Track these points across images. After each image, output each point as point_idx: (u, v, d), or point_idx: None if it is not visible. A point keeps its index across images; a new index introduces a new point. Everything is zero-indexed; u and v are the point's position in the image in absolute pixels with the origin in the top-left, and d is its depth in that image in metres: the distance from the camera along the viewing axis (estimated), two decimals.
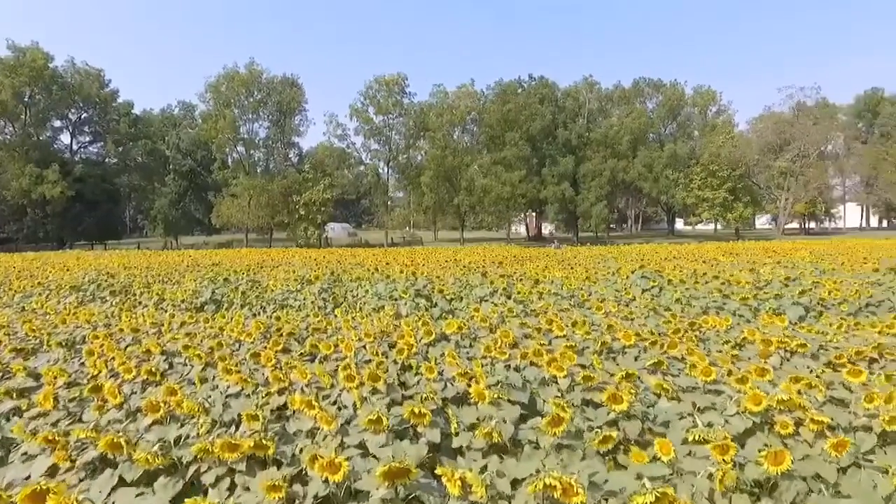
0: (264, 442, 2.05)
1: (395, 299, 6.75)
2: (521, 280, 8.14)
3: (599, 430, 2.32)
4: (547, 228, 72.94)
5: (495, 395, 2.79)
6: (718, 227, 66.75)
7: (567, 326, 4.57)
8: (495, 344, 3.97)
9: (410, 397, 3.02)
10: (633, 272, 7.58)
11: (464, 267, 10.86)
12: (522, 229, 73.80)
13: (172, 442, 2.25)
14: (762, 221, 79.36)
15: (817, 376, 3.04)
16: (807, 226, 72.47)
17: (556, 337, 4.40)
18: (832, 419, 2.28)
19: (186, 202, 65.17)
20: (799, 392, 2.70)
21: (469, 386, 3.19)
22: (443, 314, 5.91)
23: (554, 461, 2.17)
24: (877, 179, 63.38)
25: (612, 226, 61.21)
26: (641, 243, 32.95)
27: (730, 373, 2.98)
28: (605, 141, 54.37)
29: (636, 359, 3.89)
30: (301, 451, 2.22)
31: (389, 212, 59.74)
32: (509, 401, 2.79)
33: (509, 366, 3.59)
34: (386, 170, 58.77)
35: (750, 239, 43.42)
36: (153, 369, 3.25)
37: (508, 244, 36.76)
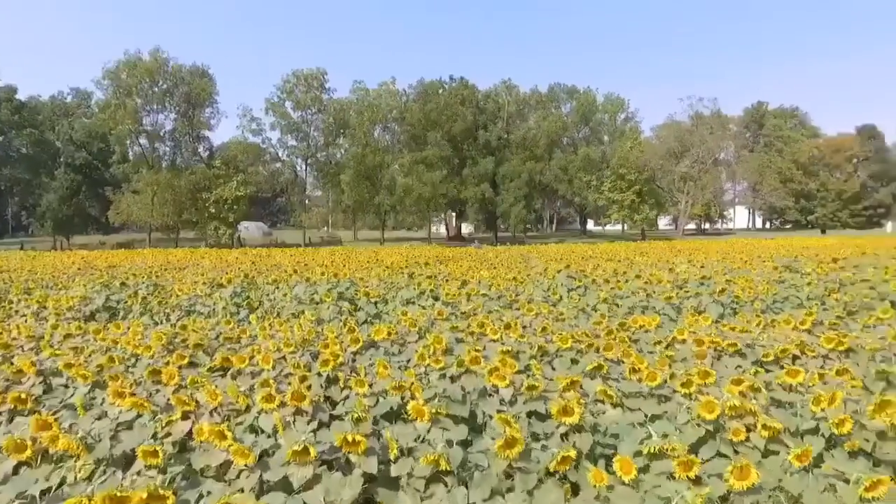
0: (161, 491, 1.66)
1: (317, 303, 6.32)
2: (447, 281, 7.95)
3: (550, 448, 2.13)
4: (467, 229, 73.90)
5: (435, 411, 2.54)
6: (626, 227, 70.56)
7: (500, 329, 4.40)
8: (428, 351, 3.72)
9: (340, 417, 2.70)
10: (558, 272, 7.62)
11: (387, 267, 10.53)
12: (443, 229, 74.27)
13: (38, 497, 1.80)
14: (663, 223, 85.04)
15: (754, 376, 3.04)
16: (703, 227, 78.66)
17: (491, 341, 4.22)
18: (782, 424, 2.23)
19: (80, 198, 59.64)
20: (741, 394, 2.66)
21: (404, 400, 2.92)
22: (368, 319, 5.58)
23: (507, 487, 1.95)
24: (762, 185, 69.57)
25: (528, 226, 62.96)
26: (557, 243, 34.09)
27: (672, 376, 2.91)
28: (524, 143, 55.86)
29: (574, 362, 3.78)
30: (209, 494, 1.84)
31: (307, 211, 57.95)
32: (452, 417, 2.55)
33: (445, 374, 3.35)
34: (304, 167, 56.99)
35: (654, 239, 46.28)
36: (23, 395, 2.71)
37: (430, 244, 36.74)
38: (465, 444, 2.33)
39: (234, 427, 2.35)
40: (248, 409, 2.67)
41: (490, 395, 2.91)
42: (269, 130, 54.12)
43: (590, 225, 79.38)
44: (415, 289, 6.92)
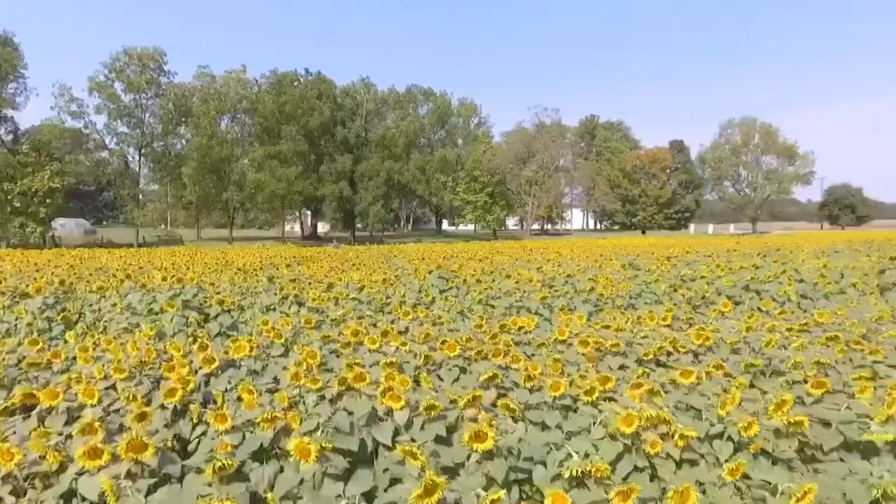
0: None
1: (157, 314, 5.38)
2: (311, 284, 7.34)
3: (468, 486, 1.82)
4: (322, 228, 71.73)
5: (321, 447, 2.10)
6: (477, 227, 73.80)
7: (378, 338, 4.02)
8: (301, 368, 3.22)
9: (196, 469, 2.13)
10: (429, 272, 7.43)
11: (240, 269, 9.54)
12: (297, 228, 71.21)
13: None
14: (510, 223, 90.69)
15: (646, 377, 3.04)
16: (545, 227, 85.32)
17: (370, 352, 3.83)
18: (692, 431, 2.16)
19: None
20: (642, 399, 2.60)
21: (278, 433, 2.43)
22: (223, 331, 4.84)
23: None
24: (595, 190, 77.04)
25: (385, 225, 62.87)
26: (415, 242, 34.29)
27: (572, 383, 2.78)
28: (383, 142, 55.55)
29: (463, 371, 3.54)
30: None
31: (141, 207, 51.73)
32: (340, 451, 2.13)
33: (324, 396, 2.90)
34: (138, 158, 50.78)
35: (505, 238, 48.96)
36: None
37: (284, 243, 34.83)
38: (370, 497, 1.93)
39: (39, 501, 1.69)
40: (62, 468, 1.99)
41: (382, 419, 2.53)
42: (95, 114, 47.25)
43: (444, 225, 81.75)
44: (276, 293, 6.24)
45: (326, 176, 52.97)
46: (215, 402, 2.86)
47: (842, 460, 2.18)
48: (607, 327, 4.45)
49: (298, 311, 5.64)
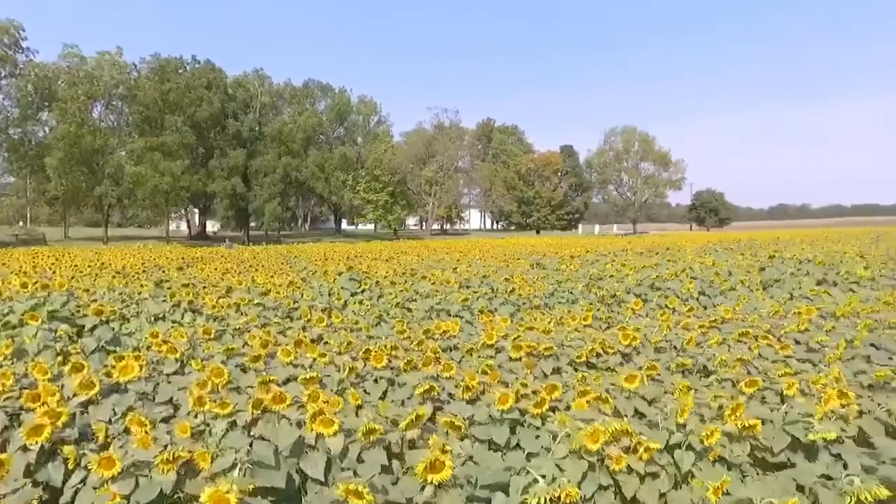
0: None
1: (14, 328, 4.52)
2: (206, 288, 6.64)
3: None
4: (212, 226, 67.32)
5: (239, 492, 1.72)
6: (377, 227, 73.12)
7: (292, 349, 3.62)
8: (204, 389, 2.77)
9: None
10: (339, 274, 6.99)
11: (118, 273, 8.47)
12: (184, 227, 66.20)
13: None
14: (410, 223, 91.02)
15: (583, 380, 2.93)
16: (444, 227, 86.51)
17: (284, 365, 3.42)
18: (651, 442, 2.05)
19: None
20: (592, 407, 2.47)
21: (182, 475, 2.00)
22: (102, 346, 4.14)
23: None
24: (492, 191, 79.23)
25: (282, 224, 60.21)
26: (313, 242, 32.99)
27: (517, 394, 2.59)
28: (280, 137, 52.95)
29: (391, 384, 3.24)
30: None
31: None
32: (261, 490, 1.77)
33: (235, 423, 2.48)
34: None
35: (406, 238, 48.81)
36: None
37: (169, 243, 32.09)
38: None
39: None
40: None
41: (311, 448, 2.17)
42: None
43: (343, 224, 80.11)
44: (165, 300, 5.52)
45: (217, 171, 49.62)
46: (96, 439, 2.34)
47: (790, 461, 2.18)
48: (532, 329, 4.36)
49: (194, 319, 5.02)
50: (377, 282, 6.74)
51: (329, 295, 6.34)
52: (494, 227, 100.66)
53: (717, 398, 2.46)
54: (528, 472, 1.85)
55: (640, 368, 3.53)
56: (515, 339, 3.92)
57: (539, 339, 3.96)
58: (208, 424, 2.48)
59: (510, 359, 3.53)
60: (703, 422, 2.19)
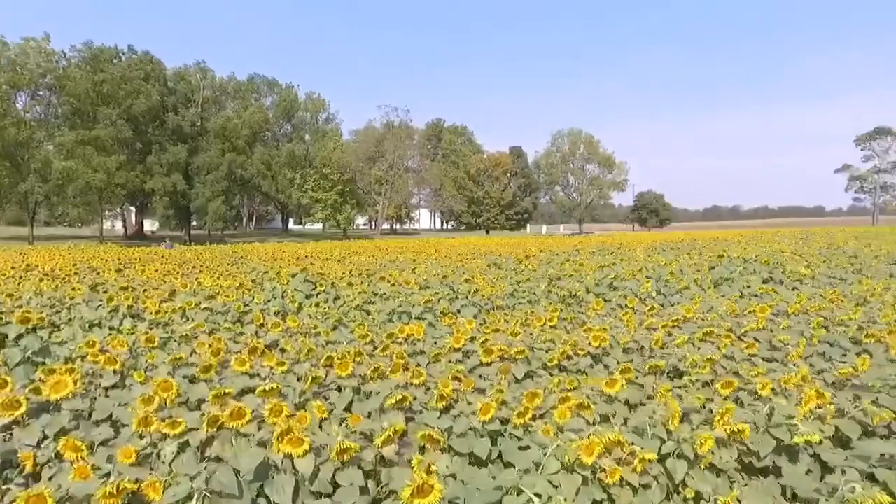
0: None
1: None
2: (147, 292, 6.20)
3: None
4: (150, 225, 64.26)
5: None
6: (326, 226, 71.90)
7: (246, 357, 3.36)
8: (150, 406, 2.50)
9: None
10: (293, 276, 6.67)
11: (47, 275, 7.81)
12: (119, 226, 62.82)
13: None
14: (359, 222, 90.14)
15: (557, 386, 2.84)
16: (394, 226, 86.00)
17: (241, 375, 3.16)
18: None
19: None
20: (575, 415, 2.37)
21: None
22: (28, 358, 3.72)
23: None
24: (443, 191, 79.33)
25: (226, 223, 58.10)
26: (259, 242, 31.80)
27: (498, 402, 2.46)
28: (223, 133, 50.93)
29: (357, 393, 3.04)
30: None
31: None
32: None
33: (188, 444, 2.23)
34: None
35: (356, 238, 48.08)
36: None
37: (103, 243, 30.29)
38: None
39: None
40: None
41: (279, 470, 1.96)
42: None
43: (290, 223, 78.29)
44: (102, 305, 5.08)
45: (156, 167, 47.29)
46: (23, 469, 2.04)
47: (775, 464, 2.15)
48: (498, 331, 4.25)
49: (135, 326, 4.63)
50: (333, 283, 6.48)
51: (283, 298, 6.04)
52: (444, 226, 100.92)
53: (707, 402, 2.41)
54: (520, 491, 1.71)
55: (613, 371, 3.48)
56: (484, 342, 3.79)
57: (507, 341, 3.85)
58: (156, 446, 2.22)
59: (481, 363, 3.40)
60: (694, 428, 2.12)
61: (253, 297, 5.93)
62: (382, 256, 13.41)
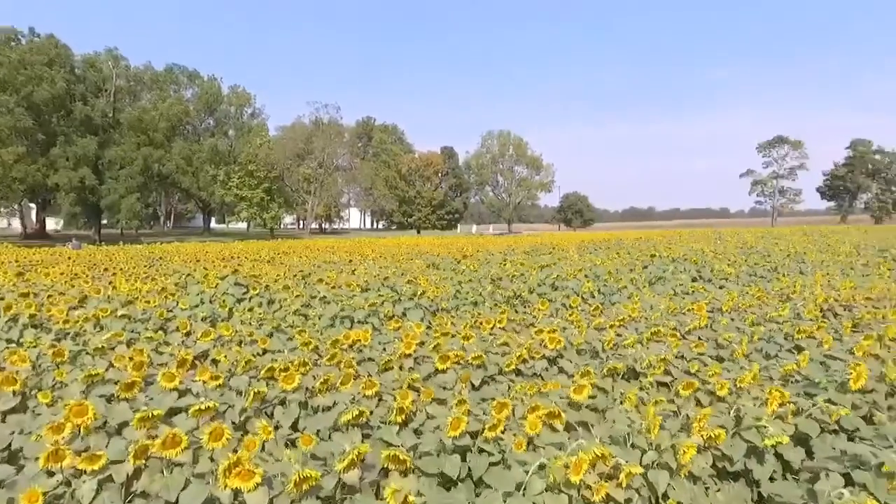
0: None
1: None
2: (52, 298, 5.56)
3: None
4: (57, 223, 59.13)
5: None
6: (252, 226, 69.28)
7: (175, 371, 3.01)
8: (60, 434, 2.14)
9: None
10: (223, 278, 6.18)
11: None
12: (17, 224, 57.34)
13: None
14: (287, 221, 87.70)
15: (519, 392, 2.71)
16: (323, 226, 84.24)
17: (170, 392, 2.81)
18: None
19: None
20: (544, 424, 2.25)
21: None
22: None
23: None
24: (374, 190, 78.42)
25: (141, 222, 54.39)
26: (178, 241, 29.85)
27: (466, 414, 2.29)
28: (139, 125, 47.54)
29: (304, 407, 2.78)
30: None
31: None
32: None
33: (108, 479, 1.91)
34: None
35: (283, 237, 46.47)
36: None
37: None
38: None
39: None
40: None
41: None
42: None
43: (212, 222, 74.68)
44: None
45: (61, 161, 43.48)
46: None
47: (746, 467, 2.12)
48: (446, 334, 4.10)
49: (38, 338, 4.09)
50: (267, 286, 6.07)
51: (211, 302, 5.59)
52: (374, 226, 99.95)
53: (668, 404, 2.35)
54: None
55: (572, 374, 3.42)
56: (436, 347, 3.63)
57: (460, 346, 3.71)
58: (70, 485, 1.89)
59: (436, 370, 3.22)
60: (673, 434, 2.05)
61: (177, 303, 5.44)
62: (315, 257, 12.93)
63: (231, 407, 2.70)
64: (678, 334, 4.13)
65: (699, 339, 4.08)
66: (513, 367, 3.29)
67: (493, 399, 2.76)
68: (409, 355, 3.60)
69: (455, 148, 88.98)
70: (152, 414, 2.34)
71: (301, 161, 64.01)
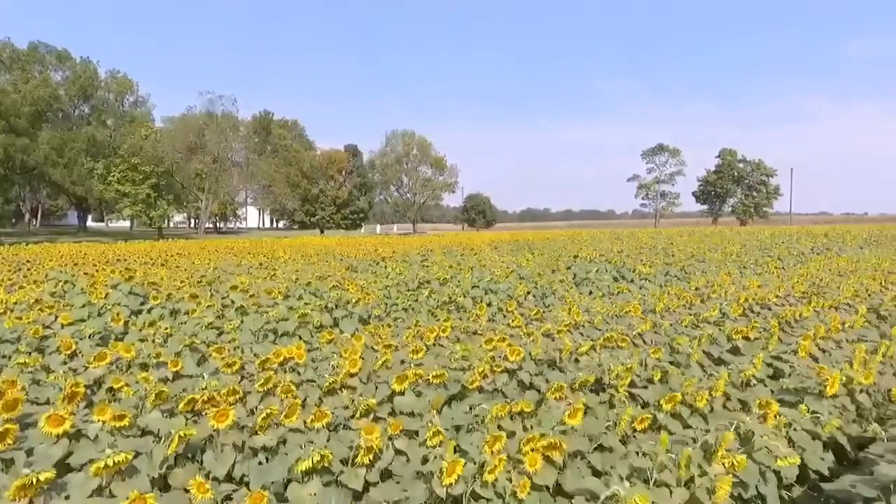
0: None
1: None
2: None
3: None
4: None
5: None
6: (135, 224, 63.75)
7: (64, 410, 2.38)
8: None
9: None
10: (114, 286, 5.26)
11: None
12: None
13: None
14: (177, 220, 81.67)
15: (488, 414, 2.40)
16: (218, 225, 79.39)
17: (57, 440, 2.18)
18: None
19: None
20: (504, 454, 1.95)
21: None
22: None
23: None
24: (274, 188, 74.93)
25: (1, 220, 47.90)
26: (48, 242, 26.22)
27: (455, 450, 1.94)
28: None
29: (240, 451, 2.27)
30: None
31: None
32: None
33: None
34: None
35: (174, 237, 42.95)
36: None
37: None
38: None
39: None
40: None
41: None
42: None
43: (89, 221, 67.58)
44: None
45: None
46: None
47: (759, 491, 1.96)
48: (389, 347, 3.71)
49: None
50: (169, 294, 5.27)
51: (100, 315, 4.74)
52: (274, 225, 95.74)
53: (665, 426, 2.15)
54: None
55: (536, 387, 3.17)
56: (384, 363, 3.24)
57: (409, 361, 3.34)
58: None
59: (392, 392, 2.83)
60: (702, 468, 1.83)
61: (57, 317, 4.55)
62: (216, 259, 11.86)
63: (147, 455, 2.13)
64: (628, 339, 4.04)
65: (652, 343, 4.01)
66: (476, 384, 2.98)
67: (468, 426, 2.44)
68: (355, 374, 3.18)
69: (360, 147, 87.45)
70: (36, 479, 1.76)
71: (192, 155, 59.59)
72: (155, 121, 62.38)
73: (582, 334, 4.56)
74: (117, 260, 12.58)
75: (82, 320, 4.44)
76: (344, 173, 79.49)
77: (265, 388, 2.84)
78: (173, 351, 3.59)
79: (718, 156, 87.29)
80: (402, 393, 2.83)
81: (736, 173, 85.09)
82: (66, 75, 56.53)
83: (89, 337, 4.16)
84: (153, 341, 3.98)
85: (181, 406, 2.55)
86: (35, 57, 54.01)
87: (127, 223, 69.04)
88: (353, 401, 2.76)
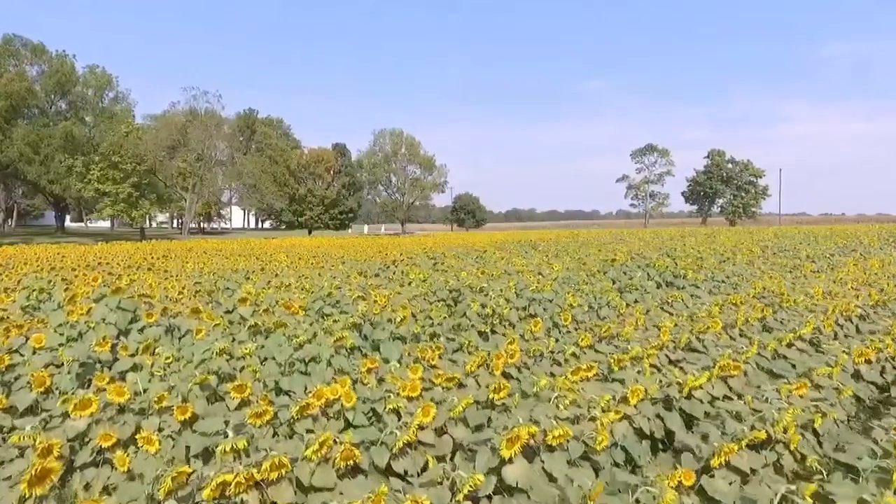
0: None
1: None
2: None
3: None
4: None
5: None
6: (116, 224, 62.05)
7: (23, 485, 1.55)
8: None
9: None
10: (99, 299, 4.35)
11: None
12: None
13: None
14: (159, 220, 79.93)
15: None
16: (202, 226, 77.71)
17: None
18: None
19: None
20: None
21: None
22: None
23: None
24: (259, 187, 73.52)
25: None
26: (24, 244, 24.79)
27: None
28: None
29: None
30: None
31: None
32: None
33: None
34: None
35: (157, 238, 41.53)
36: None
37: None
38: None
39: None
40: None
41: None
42: None
43: (67, 221, 65.56)
44: None
45: None
46: None
47: None
48: (452, 380, 2.92)
49: None
50: (164, 309, 4.40)
51: (80, 338, 3.86)
52: (259, 225, 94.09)
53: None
54: None
55: (713, 457, 2.40)
56: (463, 408, 2.46)
57: (489, 402, 2.56)
58: None
59: (502, 460, 2.03)
60: None
61: (27, 340, 3.67)
62: (207, 263, 10.95)
63: None
64: (740, 366, 3.29)
65: (770, 371, 3.28)
66: (605, 443, 2.20)
67: None
68: (426, 426, 2.38)
69: (348, 146, 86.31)
70: None
71: (175, 153, 58.03)
72: (136, 118, 60.65)
73: (668, 357, 3.81)
74: (98, 263, 11.63)
75: (60, 345, 3.56)
76: (332, 172, 78.27)
77: (319, 455, 2.03)
78: (182, 391, 2.75)
79: (707, 156, 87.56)
80: (509, 461, 2.04)
81: (725, 174, 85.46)
82: (42, 69, 54.64)
83: (68, 372, 3.31)
84: (152, 373, 3.14)
85: (206, 493, 1.74)
86: (9, 50, 52.18)
87: (107, 223, 67.14)
88: (444, 474, 1.96)
